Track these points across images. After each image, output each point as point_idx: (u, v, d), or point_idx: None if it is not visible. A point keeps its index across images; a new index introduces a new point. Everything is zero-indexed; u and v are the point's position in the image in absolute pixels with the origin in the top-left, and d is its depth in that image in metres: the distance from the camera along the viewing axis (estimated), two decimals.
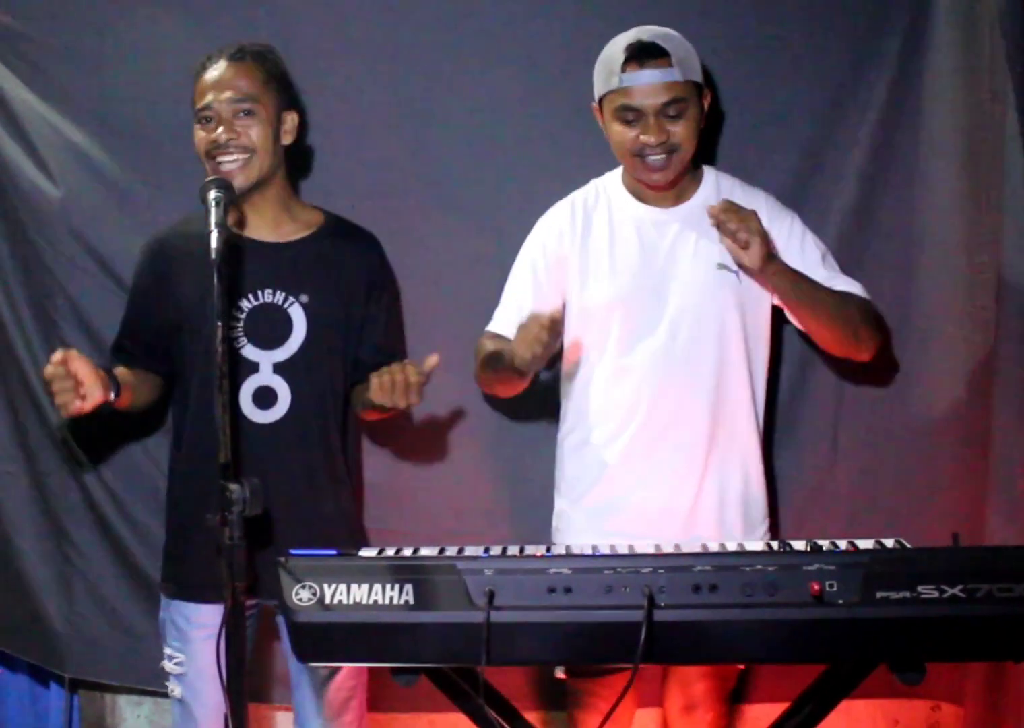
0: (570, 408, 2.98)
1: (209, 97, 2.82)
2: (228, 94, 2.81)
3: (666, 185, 2.86)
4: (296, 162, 3.09)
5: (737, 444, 2.89)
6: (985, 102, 2.96)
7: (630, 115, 2.77)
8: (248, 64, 2.85)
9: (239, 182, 2.78)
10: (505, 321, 2.94)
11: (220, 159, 2.80)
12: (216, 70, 2.84)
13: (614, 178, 2.96)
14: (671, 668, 2.95)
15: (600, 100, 2.84)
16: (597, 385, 2.91)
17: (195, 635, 2.86)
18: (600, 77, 2.82)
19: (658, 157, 2.78)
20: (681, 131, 2.78)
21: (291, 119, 2.91)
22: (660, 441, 2.85)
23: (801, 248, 2.90)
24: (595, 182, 2.98)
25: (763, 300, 2.89)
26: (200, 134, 2.84)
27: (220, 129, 2.80)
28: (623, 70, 2.75)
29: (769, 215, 2.88)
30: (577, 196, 2.97)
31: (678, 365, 2.84)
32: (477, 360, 2.96)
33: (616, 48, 2.78)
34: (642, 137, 2.77)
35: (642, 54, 2.75)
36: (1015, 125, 2.88)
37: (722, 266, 2.85)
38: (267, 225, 2.91)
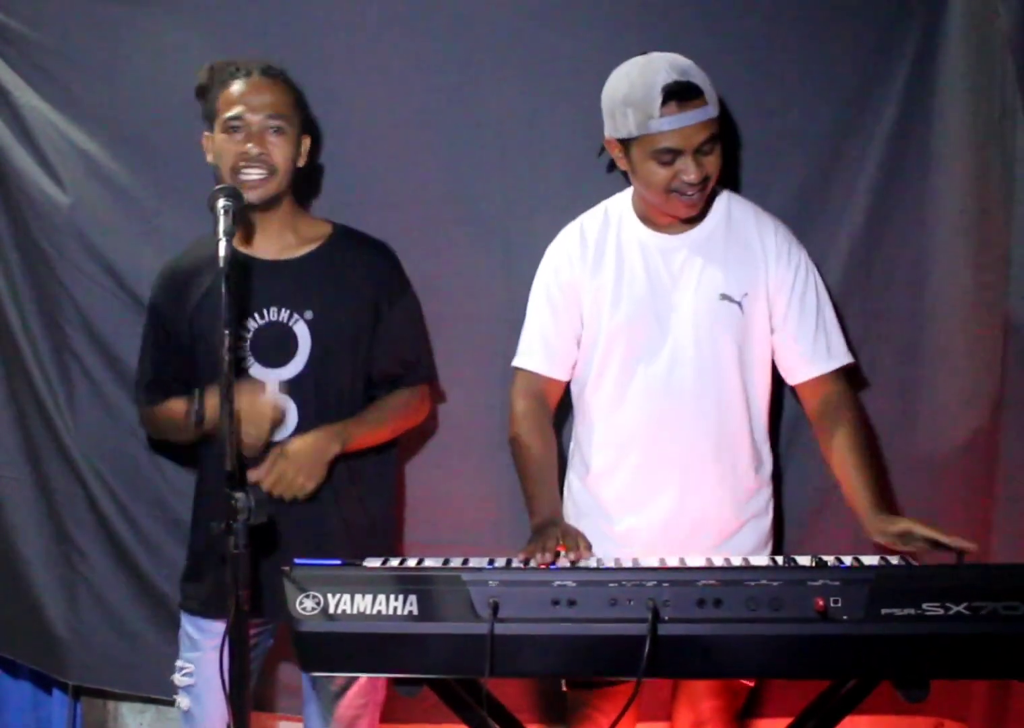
0: (575, 431, 2.99)
1: (241, 108, 2.81)
2: (263, 109, 2.81)
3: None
4: (308, 180, 3.10)
5: (738, 475, 2.87)
6: (995, 119, 2.96)
7: (668, 157, 2.73)
8: (281, 83, 2.87)
9: (255, 196, 2.79)
10: (530, 353, 2.94)
11: (245, 171, 2.80)
12: (250, 83, 2.83)
13: (624, 200, 2.93)
14: (681, 685, 2.94)
15: (627, 139, 2.77)
16: (598, 412, 2.90)
17: (206, 644, 2.87)
18: (632, 119, 2.73)
19: (695, 192, 2.76)
20: (712, 163, 2.76)
21: (306, 143, 2.92)
22: (659, 470, 2.84)
23: (801, 301, 2.86)
24: (605, 204, 2.95)
25: (764, 331, 2.88)
26: (227, 146, 2.82)
27: (251, 144, 2.80)
28: (662, 113, 2.69)
29: (777, 250, 2.86)
30: (586, 220, 2.94)
31: (678, 394, 2.83)
32: (515, 427, 2.92)
33: (647, 88, 2.70)
34: (682, 177, 2.73)
35: (681, 95, 2.70)
36: None
37: (725, 296, 2.84)
38: (272, 244, 2.90)
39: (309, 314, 2.85)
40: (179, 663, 2.93)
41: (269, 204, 2.84)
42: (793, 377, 2.91)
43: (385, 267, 2.96)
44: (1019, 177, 2.91)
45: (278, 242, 2.91)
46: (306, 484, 2.78)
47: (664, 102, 2.69)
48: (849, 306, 3.11)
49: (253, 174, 2.80)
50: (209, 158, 2.88)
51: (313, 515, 2.85)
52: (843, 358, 2.90)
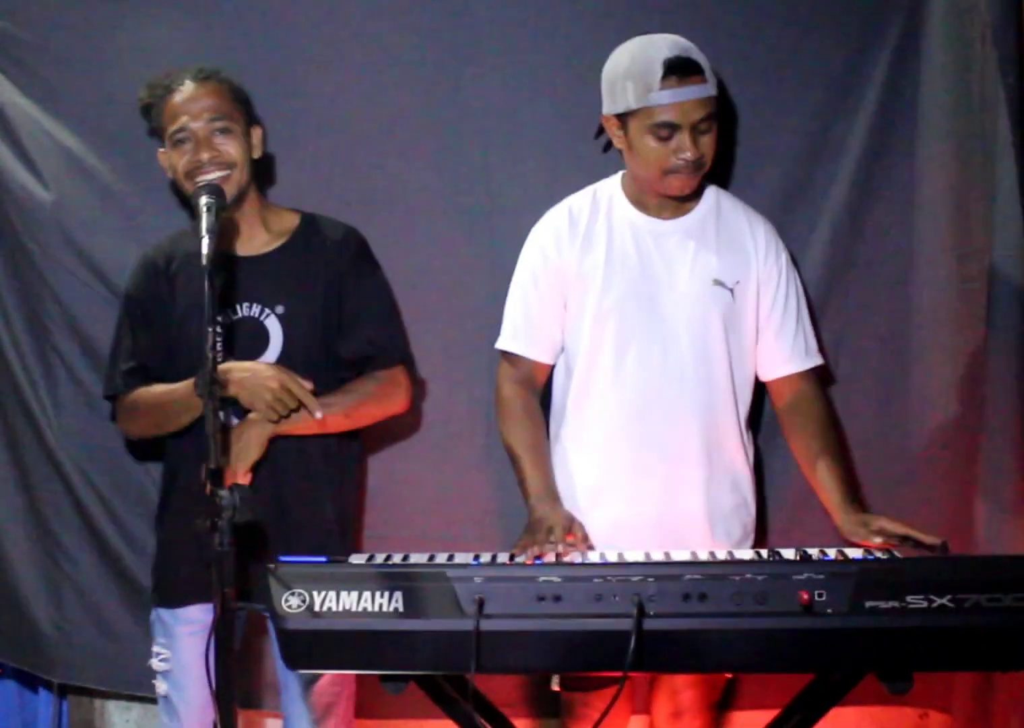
0: (562, 415, 2.96)
1: (184, 119, 2.83)
2: (204, 114, 2.83)
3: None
4: (267, 171, 3.12)
5: (725, 460, 2.87)
6: (976, 111, 2.97)
7: (665, 132, 2.72)
8: (214, 84, 2.88)
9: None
10: (514, 336, 2.92)
11: (201, 178, 2.79)
12: (185, 92, 2.85)
13: (614, 184, 2.92)
14: (659, 676, 2.94)
15: (625, 114, 2.77)
16: (587, 396, 2.89)
17: (180, 631, 2.88)
18: (632, 92, 2.72)
19: (690, 172, 2.76)
20: (709, 144, 2.76)
21: (256, 134, 2.93)
22: (647, 456, 2.83)
23: (785, 299, 2.88)
24: (593, 187, 2.94)
25: (751, 322, 2.89)
26: (178, 158, 2.84)
27: (200, 151, 2.81)
28: (662, 86, 2.69)
29: (766, 245, 2.88)
30: (574, 202, 2.93)
31: (668, 378, 2.82)
32: (503, 411, 2.92)
33: (648, 62, 2.71)
34: (679, 154, 2.72)
35: (682, 70, 2.70)
36: (1007, 134, 2.89)
37: (718, 282, 2.84)
38: (242, 239, 2.92)
39: (280, 309, 2.87)
40: (155, 648, 2.93)
41: (235, 201, 2.83)
42: (768, 373, 2.92)
43: (353, 250, 2.97)
44: (1001, 168, 2.91)
45: (248, 238, 2.92)
46: (235, 466, 2.76)
47: (665, 75, 2.70)
48: (832, 299, 3.13)
49: (212, 175, 2.80)
50: (168, 174, 2.91)
51: (294, 513, 2.87)
52: (817, 358, 2.93)
